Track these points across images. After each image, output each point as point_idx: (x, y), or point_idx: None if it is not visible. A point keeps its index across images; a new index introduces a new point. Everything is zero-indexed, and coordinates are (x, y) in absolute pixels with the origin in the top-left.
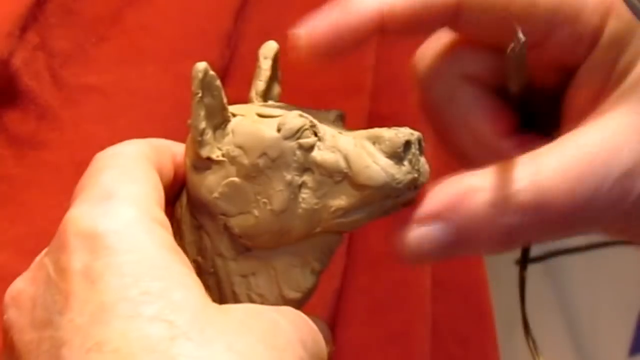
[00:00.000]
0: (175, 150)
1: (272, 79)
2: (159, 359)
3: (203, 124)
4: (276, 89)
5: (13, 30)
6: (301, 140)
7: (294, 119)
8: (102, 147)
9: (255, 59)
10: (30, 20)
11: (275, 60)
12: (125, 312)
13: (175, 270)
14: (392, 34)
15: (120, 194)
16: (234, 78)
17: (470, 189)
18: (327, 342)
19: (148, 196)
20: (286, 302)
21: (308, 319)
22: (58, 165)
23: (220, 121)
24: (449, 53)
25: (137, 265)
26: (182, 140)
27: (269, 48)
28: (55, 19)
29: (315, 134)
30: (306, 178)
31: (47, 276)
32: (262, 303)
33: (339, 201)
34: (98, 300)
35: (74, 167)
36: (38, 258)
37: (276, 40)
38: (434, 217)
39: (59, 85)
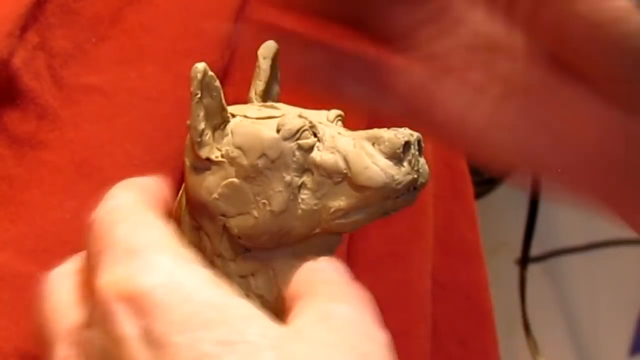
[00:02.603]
0: (160, 185)
1: (272, 79)
2: None
3: (202, 125)
4: (275, 89)
5: (13, 30)
6: (300, 141)
7: (294, 119)
8: (102, 147)
9: (255, 59)
10: (30, 20)
11: (275, 60)
12: None
13: (235, 306)
14: None
15: (145, 244)
16: (233, 78)
17: None
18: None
19: (169, 238)
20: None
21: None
22: (58, 165)
23: (219, 122)
24: None
25: (200, 315)
26: (182, 140)
27: (268, 48)
28: (55, 19)
29: (315, 135)
30: (305, 179)
31: (101, 350)
32: (261, 304)
33: (339, 202)
34: None
35: (74, 167)
36: (69, 338)
37: (276, 40)
38: None
39: (59, 85)
